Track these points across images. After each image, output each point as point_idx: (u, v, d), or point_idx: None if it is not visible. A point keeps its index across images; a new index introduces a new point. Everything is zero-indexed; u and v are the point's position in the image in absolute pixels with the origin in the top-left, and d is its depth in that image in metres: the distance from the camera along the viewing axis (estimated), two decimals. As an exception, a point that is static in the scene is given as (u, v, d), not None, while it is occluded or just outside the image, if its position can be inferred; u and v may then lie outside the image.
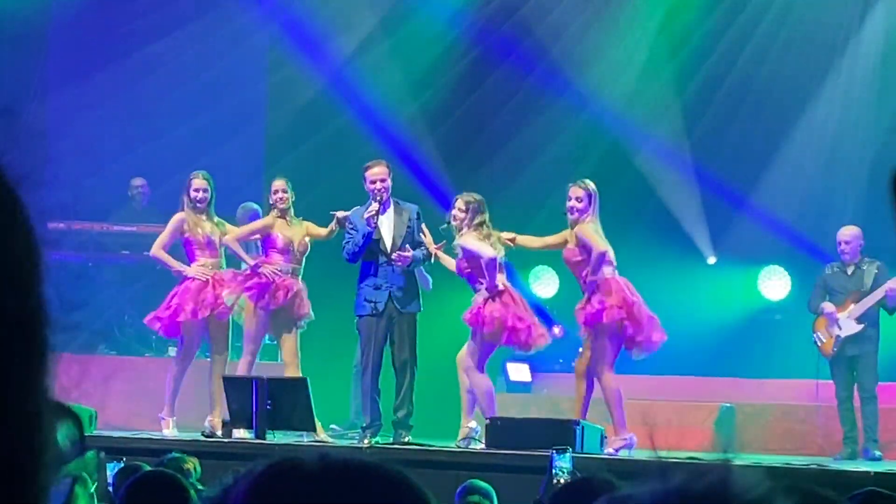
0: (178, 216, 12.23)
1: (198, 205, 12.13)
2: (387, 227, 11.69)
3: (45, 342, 0.91)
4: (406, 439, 11.41)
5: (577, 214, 11.23)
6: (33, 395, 0.88)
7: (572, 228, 11.27)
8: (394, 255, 11.57)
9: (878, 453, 11.80)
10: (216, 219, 12.26)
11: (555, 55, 15.77)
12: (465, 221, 11.42)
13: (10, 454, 0.82)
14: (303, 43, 15.84)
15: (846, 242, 12.26)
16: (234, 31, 16.03)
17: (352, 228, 11.68)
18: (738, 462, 1.11)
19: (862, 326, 12.05)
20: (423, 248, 11.70)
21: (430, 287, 11.87)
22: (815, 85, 15.10)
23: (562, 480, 7.62)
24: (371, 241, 11.62)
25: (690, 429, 12.85)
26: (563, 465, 7.84)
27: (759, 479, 1.10)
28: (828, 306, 12.17)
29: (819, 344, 12.22)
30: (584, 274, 11.22)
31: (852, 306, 12.09)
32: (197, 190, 12.13)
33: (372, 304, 11.59)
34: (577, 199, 11.23)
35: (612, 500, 1.13)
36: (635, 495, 1.11)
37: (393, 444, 11.28)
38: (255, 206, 13.69)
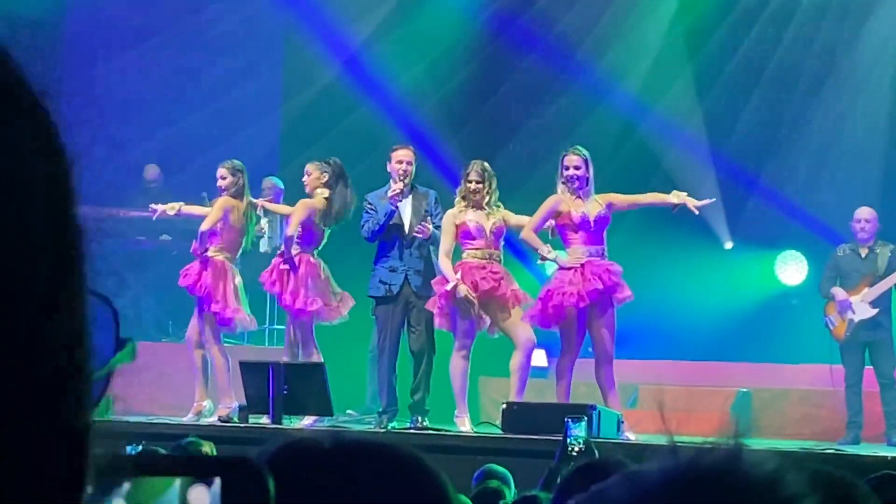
0: (221, 200, 12.14)
1: (222, 192, 12.10)
2: (407, 211, 11.68)
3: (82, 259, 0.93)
4: (423, 423, 11.41)
5: (583, 183, 10.99)
6: (78, 310, 0.92)
7: (584, 197, 11.01)
8: (416, 228, 11.54)
9: (899, 440, 11.74)
10: (246, 201, 12.13)
11: (572, 39, 15.74)
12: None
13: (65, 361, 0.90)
14: (319, 28, 15.82)
15: (866, 220, 12.00)
16: (249, 16, 16.03)
17: (371, 209, 11.67)
18: (749, 444, 1.11)
19: (877, 311, 11.93)
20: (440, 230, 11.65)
21: None
22: (831, 65, 15.06)
23: (577, 449, 7.61)
24: (392, 220, 11.60)
25: (706, 414, 12.81)
26: (578, 434, 7.84)
27: (770, 456, 1.10)
28: (839, 293, 12.01)
29: (831, 328, 12.11)
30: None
31: (866, 289, 11.95)
32: (217, 178, 12.11)
33: (386, 287, 11.59)
34: (574, 167, 11.02)
35: (624, 476, 1.13)
36: (646, 471, 1.11)
37: (409, 428, 11.28)
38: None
